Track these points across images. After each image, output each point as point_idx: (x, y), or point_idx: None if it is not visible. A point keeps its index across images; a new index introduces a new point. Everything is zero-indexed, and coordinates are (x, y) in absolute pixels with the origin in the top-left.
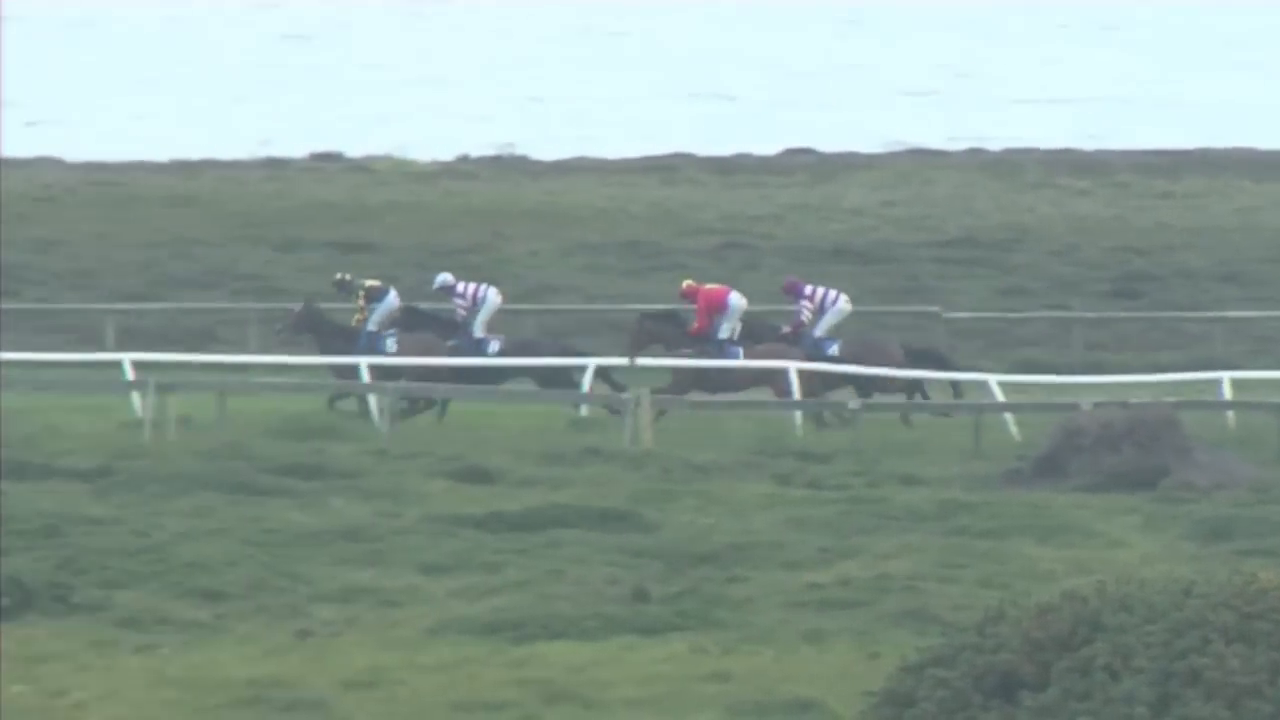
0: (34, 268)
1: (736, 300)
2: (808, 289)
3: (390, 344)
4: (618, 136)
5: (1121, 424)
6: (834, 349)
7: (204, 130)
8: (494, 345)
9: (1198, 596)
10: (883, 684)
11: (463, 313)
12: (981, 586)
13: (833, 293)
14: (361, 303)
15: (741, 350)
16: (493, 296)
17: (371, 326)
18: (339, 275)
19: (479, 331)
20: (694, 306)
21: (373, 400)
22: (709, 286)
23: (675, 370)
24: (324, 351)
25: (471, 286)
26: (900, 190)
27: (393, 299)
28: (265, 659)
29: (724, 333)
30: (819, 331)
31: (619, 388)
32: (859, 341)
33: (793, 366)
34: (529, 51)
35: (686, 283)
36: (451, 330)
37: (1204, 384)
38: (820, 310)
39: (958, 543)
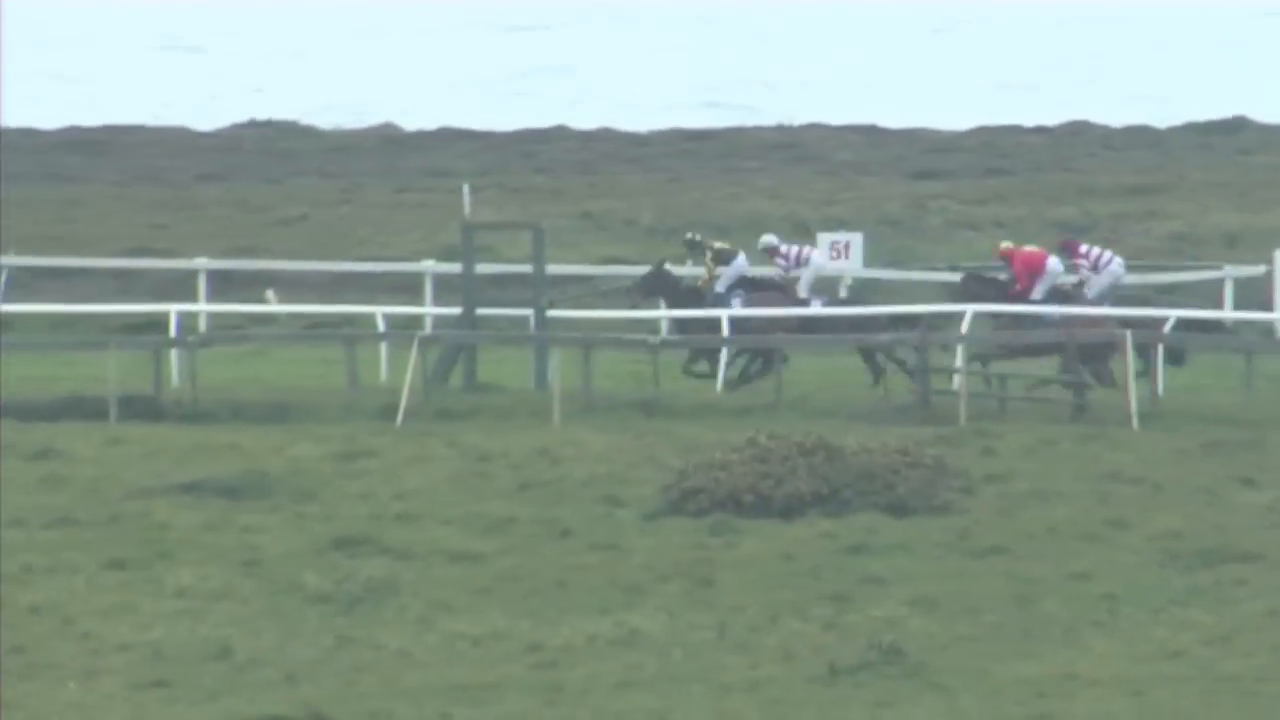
0: None
1: (1054, 264)
2: (1083, 248)
3: (737, 305)
4: None
5: None
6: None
7: None
8: (816, 304)
9: None
10: None
11: (782, 273)
12: None
13: (1107, 253)
14: (710, 264)
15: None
16: (816, 257)
17: (720, 288)
18: (689, 235)
19: (804, 292)
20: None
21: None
22: (1027, 249)
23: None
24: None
25: (794, 248)
26: None
27: (742, 262)
28: None
29: (1038, 294)
30: (1092, 293)
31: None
32: None
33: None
34: None
35: (1004, 245)
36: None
37: None
38: (1095, 270)
39: None
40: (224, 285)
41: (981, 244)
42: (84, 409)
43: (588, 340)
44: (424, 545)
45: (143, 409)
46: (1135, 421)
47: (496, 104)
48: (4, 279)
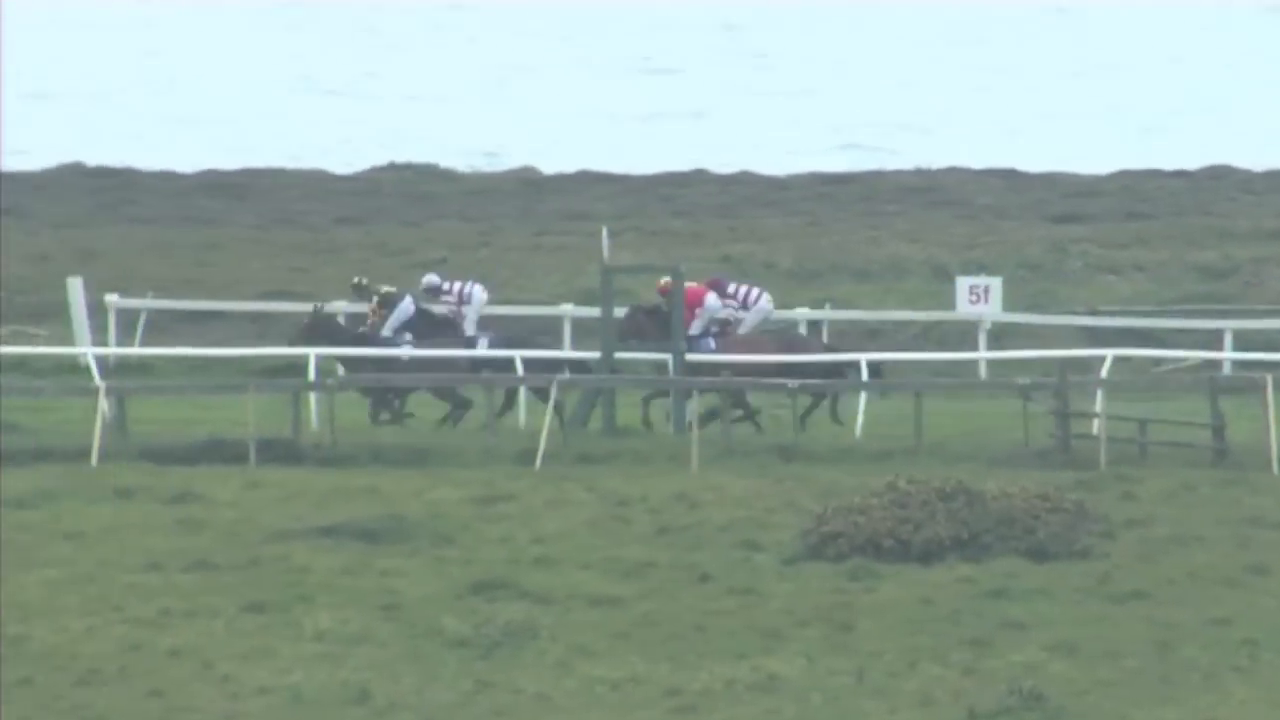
0: None
1: (712, 300)
2: (730, 287)
3: (407, 347)
4: None
5: None
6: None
7: None
8: (483, 341)
9: None
10: None
11: (453, 310)
12: None
13: (755, 290)
14: (374, 307)
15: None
16: (479, 294)
17: (387, 331)
18: (356, 279)
19: (470, 329)
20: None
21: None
22: (691, 285)
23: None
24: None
25: (458, 284)
26: None
27: (408, 304)
28: None
29: (696, 329)
30: (743, 330)
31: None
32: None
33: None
34: None
35: (664, 280)
36: (450, 329)
37: None
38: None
39: None
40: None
41: (1122, 288)
42: (223, 452)
43: (726, 385)
44: (563, 589)
45: (281, 452)
46: (1276, 466)
47: (634, 147)
48: (142, 322)
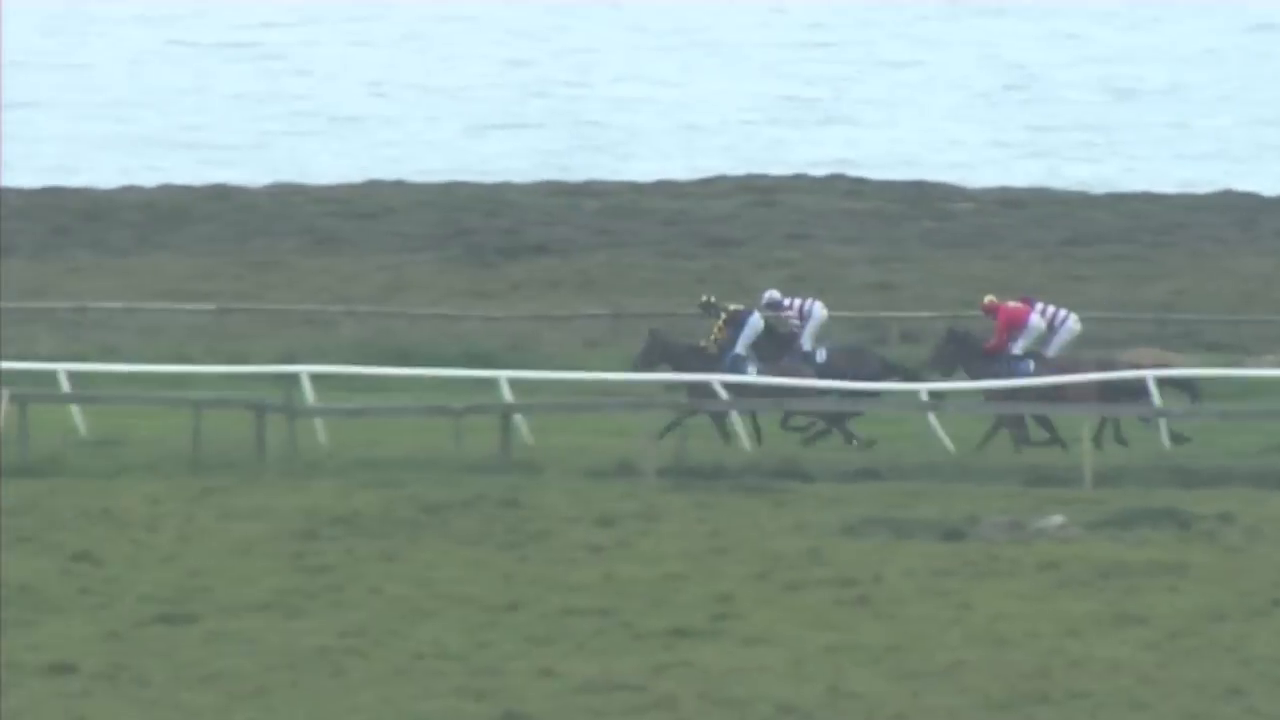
0: None
1: (1036, 319)
2: (785, 301)
3: (752, 371)
4: None
5: None
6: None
7: None
8: (821, 354)
9: None
10: None
11: (795, 325)
12: None
13: (1062, 312)
14: (720, 325)
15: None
16: (818, 310)
17: (740, 349)
18: (704, 297)
19: (808, 344)
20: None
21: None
22: (1011, 304)
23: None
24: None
25: (798, 301)
26: None
27: (756, 320)
28: None
29: (1018, 349)
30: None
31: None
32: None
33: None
34: None
35: (988, 298)
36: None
37: None
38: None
39: None
40: None
41: None
42: None
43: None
44: None
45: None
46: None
47: None
48: None
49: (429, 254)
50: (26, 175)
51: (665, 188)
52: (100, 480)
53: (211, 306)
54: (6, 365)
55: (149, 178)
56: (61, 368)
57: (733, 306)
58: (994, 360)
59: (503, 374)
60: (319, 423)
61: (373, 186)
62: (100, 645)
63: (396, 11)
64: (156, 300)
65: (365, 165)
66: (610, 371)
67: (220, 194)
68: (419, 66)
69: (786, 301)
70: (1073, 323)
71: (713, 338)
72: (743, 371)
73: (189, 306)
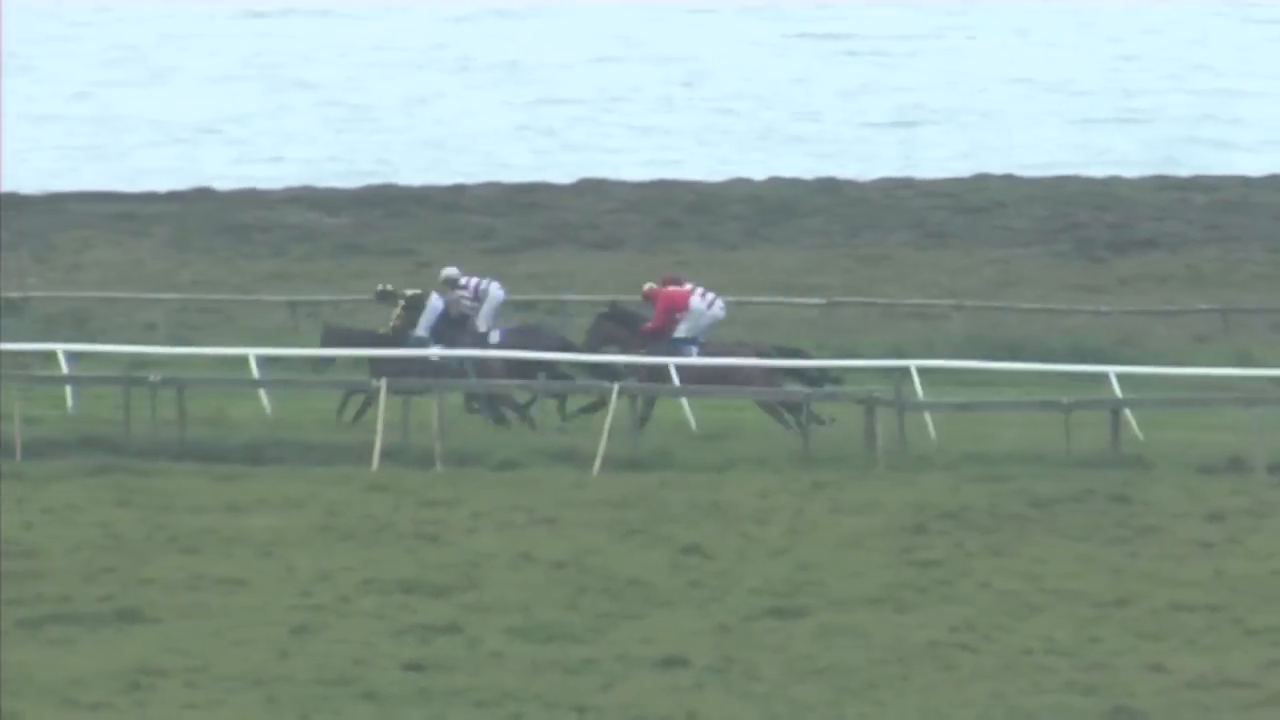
0: None
1: (697, 302)
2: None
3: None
4: None
5: None
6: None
7: None
8: (495, 336)
9: None
10: None
11: (469, 305)
12: None
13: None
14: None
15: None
16: (495, 290)
17: (421, 331)
18: (380, 286)
19: (483, 325)
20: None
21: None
22: (670, 289)
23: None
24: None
25: (475, 280)
26: None
27: (436, 302)
28: None
29: (681, 332)
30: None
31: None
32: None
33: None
34: None
35: (648, 285)
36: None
37: None
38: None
39: None
40: None
41: None
42: None
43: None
44: None
45: None
46: None
47: None
48: None
49: (1038, 248)
50: (634, 169)
51: (1276, 182)
52: (710, 474)
53: (820, 300)
54: (613, 360)
55: (757, 170)
56: (671, 362)
57: (410, 291)
58: (657, 342)
59: (1111, 369)
60: (928, 417)
61: (981, 180)
62: (710, 638)
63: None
64: (765, 294)
65: (974, 160)
66: (1220, 367)
67: (829, 188)
68: (1025, 60)
69: (464, 281)
70: (718, 309)
71: (392, 324)
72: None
73: (798, 300)
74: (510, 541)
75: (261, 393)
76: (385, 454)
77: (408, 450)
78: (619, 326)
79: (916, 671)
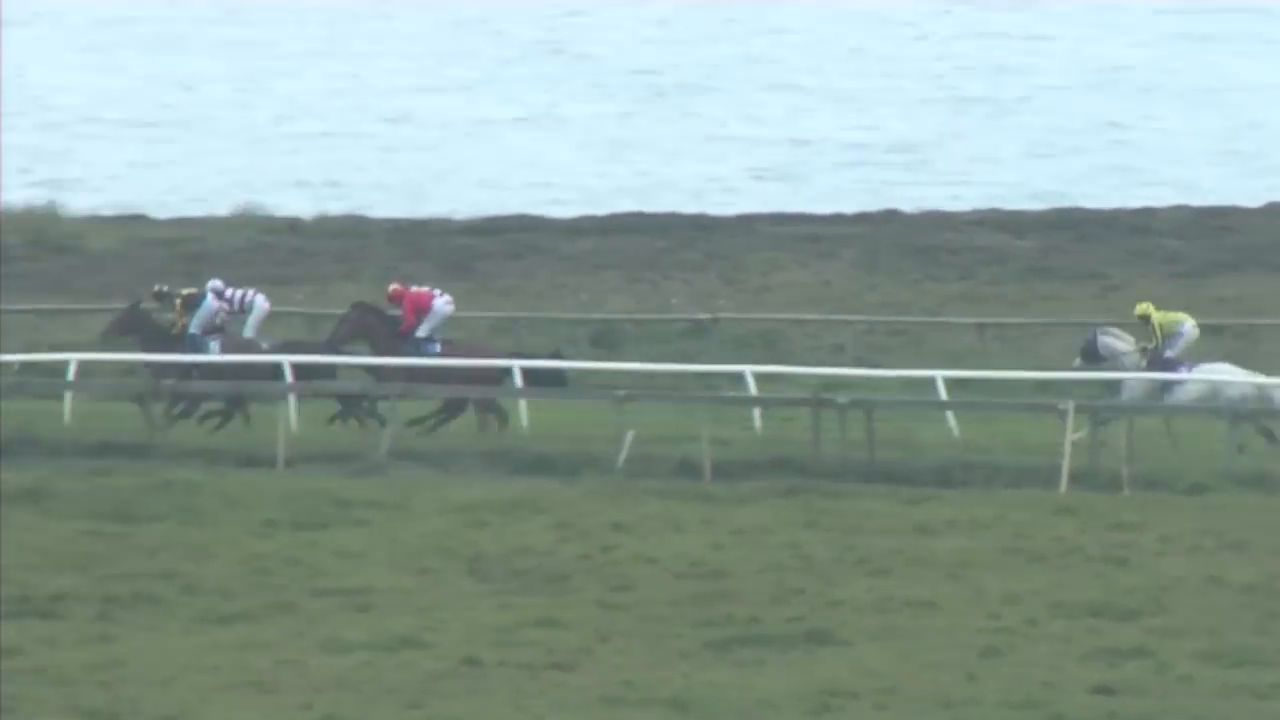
0: None
1: (440, 304)
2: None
3: (214, 348)
4: None
5: None
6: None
7: None
8: (264, 346)
9: None
10: None
11: (225, 316)
12: None
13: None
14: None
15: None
16: (260, 302)
17: (195, 329)
18: (156, 287)
19: (250, 333)
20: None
21: None
22: (415, 289)
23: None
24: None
25: (238, 292)
26: None
27: (210, 302)
28: None
29: (423, 332)
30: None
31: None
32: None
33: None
34: None
35: (393, 286)
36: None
37: None
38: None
39: None
40: None
41: None
42: None
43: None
44: None
45: None
46: None
47: None
48: None
49: None
50: None
51: None
52: None
53: None
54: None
55: None
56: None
57: (185, 291)
58: (404, 341)
59: None
60: None
61: None
62: None
63: None
64: None
65: None
66: None
67: None
68: None
69: (228, 293)
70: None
71: (181, 323)
72: (203, 351)
73: None
74: (1199, 565)
75: (949, 414)
76: (1073, 477)
77: (1096, 473)
78: (378, 322)
79: None
